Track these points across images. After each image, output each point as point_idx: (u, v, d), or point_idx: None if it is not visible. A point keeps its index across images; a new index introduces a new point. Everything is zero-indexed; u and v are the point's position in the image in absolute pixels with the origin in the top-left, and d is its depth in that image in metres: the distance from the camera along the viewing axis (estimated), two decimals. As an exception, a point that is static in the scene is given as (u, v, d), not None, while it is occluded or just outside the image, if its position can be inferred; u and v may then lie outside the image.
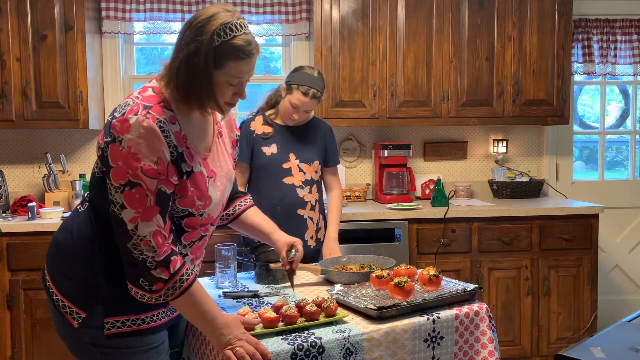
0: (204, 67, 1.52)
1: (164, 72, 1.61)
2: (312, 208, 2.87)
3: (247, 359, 1.52)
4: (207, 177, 1.66)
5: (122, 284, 1.57)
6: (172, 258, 1.53)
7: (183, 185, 1.59)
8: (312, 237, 2.88)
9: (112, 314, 1.60)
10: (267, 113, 2.89)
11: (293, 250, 2.01)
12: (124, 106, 1.53)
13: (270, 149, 2.82)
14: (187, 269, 1.57)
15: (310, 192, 2.86)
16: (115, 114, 1.53)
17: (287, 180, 2.81)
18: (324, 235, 2.93)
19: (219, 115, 1.79)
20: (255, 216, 2.04)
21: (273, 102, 2.90)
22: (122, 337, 1.61)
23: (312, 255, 2.89)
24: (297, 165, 2.82)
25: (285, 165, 2.81)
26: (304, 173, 2.83)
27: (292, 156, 2.82)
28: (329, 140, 2.94)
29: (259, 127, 2.86)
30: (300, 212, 2.82)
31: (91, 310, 1.60)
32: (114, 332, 1.60)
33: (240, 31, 1.54)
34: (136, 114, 1.49)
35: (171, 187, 1.56)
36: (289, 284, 2.22)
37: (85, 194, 1.73)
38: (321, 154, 2.90)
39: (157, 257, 1.50)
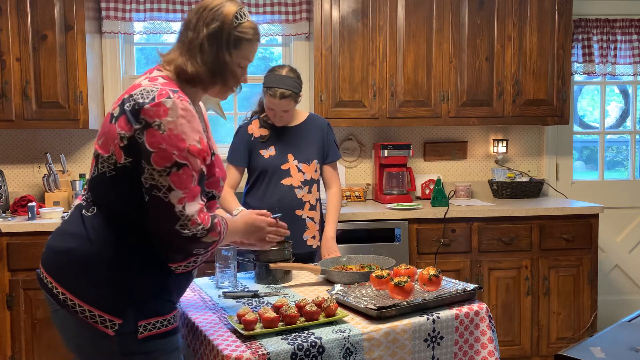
0: (226, 45, 1.64)
1: (176, 53, 1.66)
2: (313, 208, 2.86)
3: (277, 238, 1.91)
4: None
5: (153, 281, 1.59)
6: (215, 221, 1.61)
7: (211, 165, 1.65)
8: (313, 237, 2.87)
9: (144, 317, 1.57)
10: (262, 115, 2.88)
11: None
12: (146, 93, 1.53)
13: (269, 152, 2.81)
14: (220, 222, 1.65)
15: (309, 192, 2.85)
16: (139, 100, 1.52)
17: (285, 181, 2.80)
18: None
19: (203, 109, 1.87)
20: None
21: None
22: (153, 340, 1.59)
23: (313, 255, 2.89)
24: (296, 165, 2.82)
25: (284, 167, 2.81)
26: (303, 173, 2.83)
27: (290, 157, 2.82)
28: (326, 136, 2.90)
29: (256, 130, 2.86)
30: (299, 212, 2.82)
31: (125, 316, 1.56)
32: (147, 335, 1.57)
33: (248, 17, 1.70)
34: (169, 97, 1.51)
35: (204, 167, 1.61)
36: (289, 283, 2.22)
37: (85, 199, 1.67)
38: (319, 152, 2.89)
39: (206, 226, 1.57)
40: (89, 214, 1.62)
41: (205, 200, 1.64)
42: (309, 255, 2.85)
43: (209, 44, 1.62)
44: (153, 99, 1.50)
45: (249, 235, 1.85)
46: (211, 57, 1.63)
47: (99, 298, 1.55)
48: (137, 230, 1.58)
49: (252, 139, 2.85)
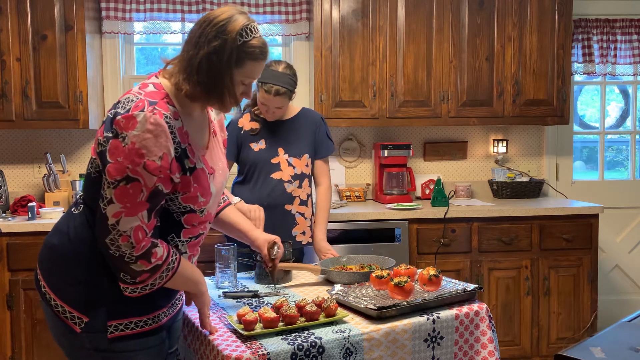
0: (226, 64, 1.56)
1: (176, 68, 1.61)
2: (303, 203, 2.83)
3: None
4: (208, 173, 1.68)
5: None
6: (153, 250, 1.53)
7: (186, 182, 1.60)
8: (303, 233, 2.83)
9: (115, 317, 1.59)
10: (254, 109, 2.85)
11: (275, 248, 2.02)
12: (127, 102, 1.52)
13: (259, 145, 2.80)
14: (171, 257, 1.58)
15: (300, 186, 2.81)
16: (118, 109, 1.52)
17: (275, 175, 2.78)
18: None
19: (212, 115, 1.81)
20: (233, 214, 2.06)
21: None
22: (126, 340, 1.60)
23: (300, 252, 2.87)
24: (286, 159, 2.80)
25: (274, 161, 2.79)
26: (294, 167, 2.80)
27: (280, 151, 2.80)
28: (318, 130, 2.87)
29: (246, 123, 2.83)
30: (288, 207, 2.79)
31: (94, 314, 1.59)
32: (117, 336, 1.59)
33: (257, 34, 1.60)
34: (142, 110, 1.48)
35: (169, 186, 1.56)
36: (289, 283, 2.22)
37: (79, 196, 1.71)
38: (311, 146, 2.85)
39: (135, 252, 1.50)
40: (76, 212, 1.67)
41: (157, 219, 1.58)
42: (298, 252, 2.83)
43: (207, 62, 1.54)
44: (128, 110, 1.49)
45: (197, 297, 1.72)
46: (208, 76, 1.55)
47: (71, 295, 1.60)
48: None
49: (242, 132, 2.82)
